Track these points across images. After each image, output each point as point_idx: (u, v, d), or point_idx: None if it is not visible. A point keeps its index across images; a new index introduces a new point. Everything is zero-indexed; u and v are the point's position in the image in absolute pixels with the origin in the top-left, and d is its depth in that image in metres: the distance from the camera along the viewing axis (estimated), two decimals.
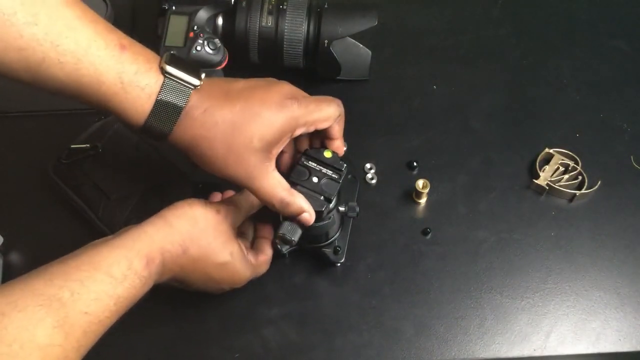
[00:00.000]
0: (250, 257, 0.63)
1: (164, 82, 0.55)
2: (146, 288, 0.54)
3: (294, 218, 0.60)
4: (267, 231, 0.67)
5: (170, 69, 0.55)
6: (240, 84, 0.59)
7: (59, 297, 0.48)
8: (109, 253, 0.53)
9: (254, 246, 0.66)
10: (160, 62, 0.56)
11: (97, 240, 0.55)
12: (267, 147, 0.57)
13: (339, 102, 0.62)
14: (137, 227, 0.56)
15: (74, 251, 0.53)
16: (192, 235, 0.57)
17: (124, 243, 0.54)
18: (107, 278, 0.51)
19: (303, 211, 0.59)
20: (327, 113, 0.60)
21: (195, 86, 0.56)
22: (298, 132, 0.59)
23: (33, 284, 0.49)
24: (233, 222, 0.61)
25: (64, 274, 0.50)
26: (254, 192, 0.59)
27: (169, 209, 0.58)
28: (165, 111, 0.55)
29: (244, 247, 0.62)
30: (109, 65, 0.53)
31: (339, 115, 0.61)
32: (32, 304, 0.47)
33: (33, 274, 0.50)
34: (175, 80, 0.55)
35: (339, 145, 0.64)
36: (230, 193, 0.67)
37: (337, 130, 0.63)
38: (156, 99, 0.54)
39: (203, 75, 0.57)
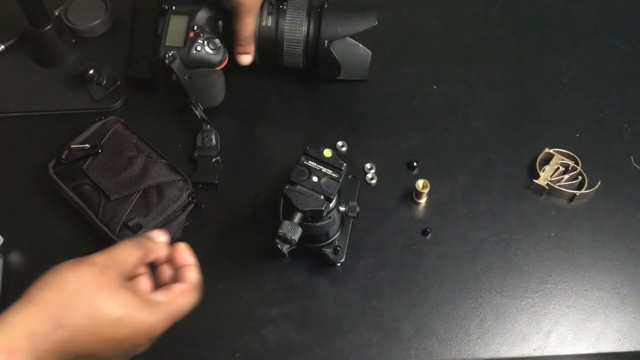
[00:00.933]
0: (159, 296, 0.52)
1: None
2: None
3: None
4: (184, 259, 0.56)
5: None
6: None
7: None
8: None
9: (168, 280, 0.56)
10: None
11: None
12: None
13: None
14: None
15: None
16: (62, 303, 0.47)
17: None
18: None
19: None
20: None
21: None
22: None
23: None
24: (120, 270, 0.51)
25: None
26: None
27: (32, 284, 0.48)
28: None
29: (144, 290, 0.54)
30: None
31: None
32: None
33: None
34: None
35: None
36: (155, 234, 0.56)
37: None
38: None
39: None
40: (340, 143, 0.80)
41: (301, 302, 0.70)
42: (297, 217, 0.62)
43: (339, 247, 0.69)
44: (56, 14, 0.86)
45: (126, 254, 0.52)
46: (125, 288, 0.50)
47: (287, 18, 0.76)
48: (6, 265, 0.72)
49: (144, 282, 0.55)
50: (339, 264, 0.71)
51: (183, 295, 0.53)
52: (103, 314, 0.48)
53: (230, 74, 0.78)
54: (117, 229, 0.71)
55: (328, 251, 0.69)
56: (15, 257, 0.73)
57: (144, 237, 0.54)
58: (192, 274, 0.55)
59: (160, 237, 0.55)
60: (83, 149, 0.75)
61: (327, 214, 0.64)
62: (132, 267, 0.52)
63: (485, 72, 0.87)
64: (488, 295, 0.70)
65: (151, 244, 0.54)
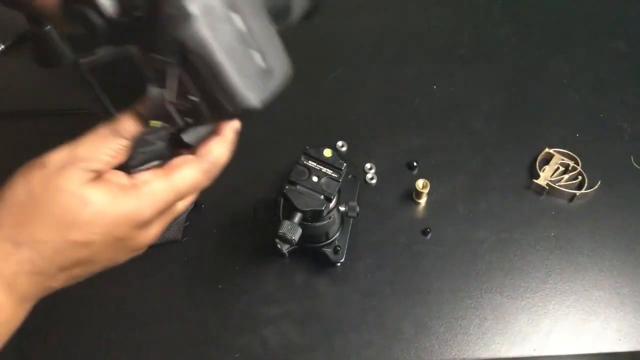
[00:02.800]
0: (144, 176, 0.43)
1: None
2: None
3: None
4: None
5: None
6: None
7: None
8: None
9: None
10: None
11: None
12: None
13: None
14: None
15: None
16: (16, 218, 0.41)
17: None
18: None
19: None
20: None
21: None
22: None
23: None
24: (84, 169, 0.42)
25: None
26: None
27: None
28: None
29: (116, 178, 0.43)
30: None
31: None
32: None
33: None
34: None
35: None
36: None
37: None
38: None
39: None
40: (340, 143, 0.80)
41: (301, 302, 0.70)
42: (297, 217, 0.62)
43: (339, 247, 0.69)
44: None
45: (95, 146, 0.43)
46: (90, 184, 0.41)
47: None
48: None
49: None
50: (339, 264, 0.71)
51: (179, 169, 0.43)
52: (66, 221, 0.40)
53: None
54: None
55: (328, 251, 0.69)
56: None
57: (125, 119, 0.45)
58: (206, 145, 0.45)
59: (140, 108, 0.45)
60: None
61: (327, 214, 0.64)
62: (105, 162, 0.43)
63: (485, 72, 0.87)
64: (488, 295, 0.70)
65: (131, 128, 0.44)
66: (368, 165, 0.79)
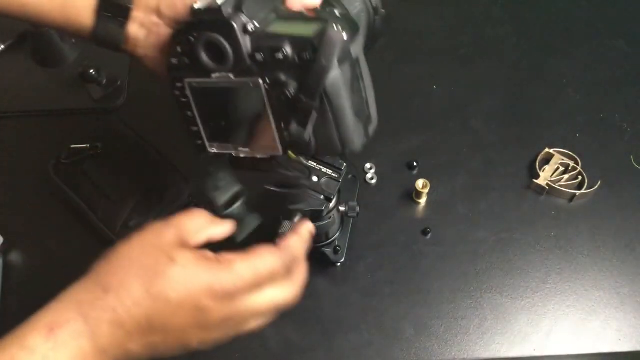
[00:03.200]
0: (229, 256, 0.46)
1: None
2: None
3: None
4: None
5: None
6: None
7: None
8: (3, 339, 0.41)
9: None
10: None
11: None
12: None
13: None
14: None
15: None
16: (112, 270, 0.44)
17: (27, 320, 0.42)
18: None
19: None
20: None
21: None
22: None
23: None
24: (176, 233, 0.46)
25: None
26: None
27: None
28: None
29: (202, 251, 0.46)
30: None
31: None
32: None
33: None
34: None
35: None
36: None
37: None
38: None
39: None
40: None
41: (301, 302, 0.70)
42: (297, 217, 0.62)
43: (339, 247, 0.69)
44: None
45: (185, 218, 0.47)
46: (180, 248, 0.45)
47: None
48: (6, 265, 0.72)
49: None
50: (339, 264, 0.71)
51: (260, 255, 0.46)
52: (150, 272, 0.43)
53: None
54: (117, 229, 0.71)
55: (328, 251, 0.69)
56: (15, 257, 0.73)
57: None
58: (284, 239, 0.49)
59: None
60: (83, 149, 0.75)
61: (327, 214, 0.64)
62: (193, 229, 0.47)
63: (485, 72, 0.87)
64: (488, 295, 0.70)
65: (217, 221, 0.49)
66: (368, 165, 0.79)
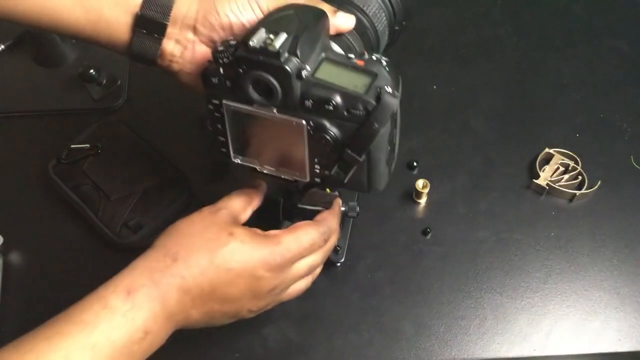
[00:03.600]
0: (272, 232, 0.53)
1: None
2: (141, 324, 0.46)
3: None
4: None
5: None
6: None
7: None
8: (85, 300, 0.47)
9: None
10: None
11: None
12: None
13: None
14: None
15: None
16: (177, 241, 0.50)
17: (104, 284, 0.48)
18: (77, 327, 0.44)
19: None
20: None
21: None
22: None
23: (3, 354, 0.44)
24: (227, 212, 0.54)
25: (34, 335, 0.45)
26: None
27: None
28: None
29: (253, 229, 0.53)
30: None
31: None
32: None
33: (12, 343, 0.44)
34: None
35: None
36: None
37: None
38: None
39: None
40: None
41: (301, 302, 0.70)
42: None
43: (339, 247, 0.69)
44: None
45: (230, 198, 0.55)
46: (234, 223, 0.52)
47: None
48: (6, 265, 0.72)
49: None
50: (339, 264, 0.71)
51: (301, 229, 0.53)
52: (214, 246, 0.49)
53: None
54: (117, 229, 0.71)
55: None
56: (15, 257, 0.73)
57: (247, 189, 0.57)
58: (320, 215, 0.57)
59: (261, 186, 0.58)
60: (83, 149, 0.75)
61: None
62: (240, 208, 0.55)
63: (485, 72, 0.87)
64: (488, 295, 0.70)
65: (253, 182, 0.58)
66: None
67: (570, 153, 0.78)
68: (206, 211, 0.53)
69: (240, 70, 0.47)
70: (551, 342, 0.68)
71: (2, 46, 0.87)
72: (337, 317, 0.69)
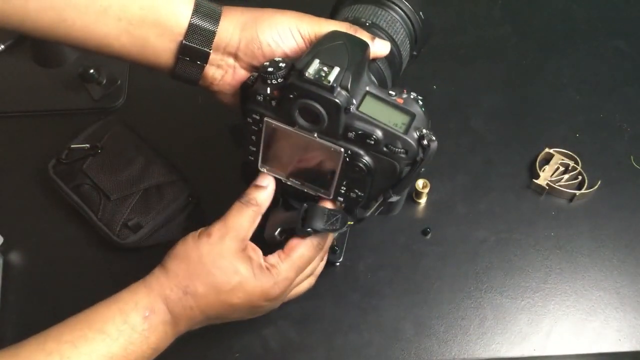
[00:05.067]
0: (272, 259, 0.55)
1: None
2: (153, 342, 0.51)
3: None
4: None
5: None
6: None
7: None
8: (106, 309, 0.51)
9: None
10: None
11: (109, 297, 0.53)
12: None
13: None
14: (140, 281, 0.54)
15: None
16: (188, 272, 0.53)
17: (123, 297, 0.52)
18: (99, 336, 0.49)
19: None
20: None
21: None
22: None
23: (25, 350, 0.48)
24: (235, 236, 0.54)
25: (57, 336, 0.49)
26: None
27: (167, 253, 0.55)
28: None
29: (257, 257, 0.55)
30: None
31: None
32: None
33: (33, 337, 0.49)
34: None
35: None
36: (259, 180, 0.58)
37: None
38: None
39: None
40: None
41: (301, 302, 0.70)
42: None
43: (337, 246, 0.69)
44: None
45: (238, 217, 0.55)
46: (240, 256, 0.54)
47: None
48: (6, 265, 0.72)
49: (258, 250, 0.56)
50: (337, 263, 0.71)
51: (295, 250, 0.55)
52: (220, 283, 0.53)
53: None
54: (117, 229, 0.71)
55: None
56: (15, 257, 0.73)
57: (251, 190, 0.56)
58: (295, 240, 0.56)
59: (263, 181, 0.57)
60: (83, 149, 0.75)
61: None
62: (247, 228, 0.55)
63: (485, 72, 0.87)
64: (488, 295, 0.70)
65: (258, 195, 0.56)
66: None
67: (570, 153, 0.78)
68: (215, 236, 0.54)
69: (291, 96, 0.49)
70: (551, 342, 0.68)
71: (2, 46, 0.87)
72: (337, 317, 0.69)
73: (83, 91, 0.84)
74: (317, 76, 0.47)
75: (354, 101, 0.49)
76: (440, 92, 0.85)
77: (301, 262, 0.55)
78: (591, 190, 0.76)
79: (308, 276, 0.59)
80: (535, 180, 0.76)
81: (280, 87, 0.50)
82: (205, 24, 0.53)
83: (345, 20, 0.59)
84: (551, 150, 0.78)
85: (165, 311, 0.52)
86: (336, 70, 0.48)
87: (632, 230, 0.74)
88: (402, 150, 0.50)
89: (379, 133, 0.50)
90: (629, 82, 0.86)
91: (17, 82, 0.86)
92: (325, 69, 0.48)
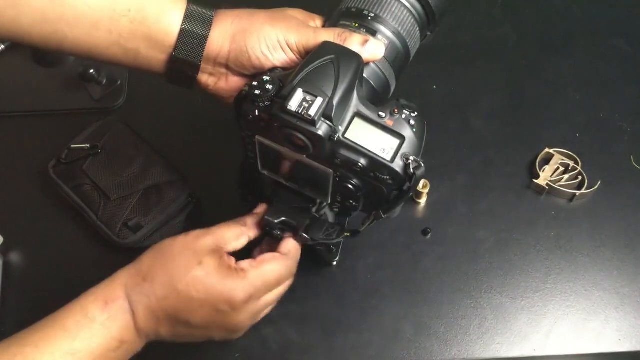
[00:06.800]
0: (243, 264, 0.54)
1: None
2: (117, 333, 0.50)
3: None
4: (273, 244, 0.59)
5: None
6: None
7: None
8: (69, 307, 0.50)
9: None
10: None
11: None
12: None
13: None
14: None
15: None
16: (152, 262, 0.52)
17: (85, 293, 0.51)
18: (61, 334, 0.48)
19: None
20: None
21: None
22: None
23: None
24: (213, 241, 0.54)
25: (21, 339, 0.48)
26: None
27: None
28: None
29: (227, 259, 0.54)
30: None
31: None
32: None
33: (4, 342, 0.49)
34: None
35: None
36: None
37: None
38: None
39: None
40: None
41: (301, 302, 0.70)
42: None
43: (333, 246, 0.69)
44: None
45: (224, 228, 0.55)
46: (210, 254, 0.52)
47: None
48: (6, 265, 0.72)
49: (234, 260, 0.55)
50: (334, 263, 0.71)
51: (268, 263, 0.54)
52: (180, 271, 0.51)
53: None
54: (117, 229, 0.71)
55: (322, 250, 0.69)
56: (15, 257, 0.73)
57: (247, 215, 0.58)
58: (285, 244, 0.56)
59: (259, 209, 0.58)
60: (83, 149, 0.75)
61: (319, 211, 0.64)
62: (228, 239, 0.55)
63: (485, 72, 0.87)
64: (488, 295, 0.70)
65: (250, 218, 0.57)
66: None
67: (570, 153, 0.78)
68: (193, 235, 0.53)
69: (275, 124, 0.49)
70: (551, 342, 0.68)
71: (2, 46, 0.87)
72: (336, 317, 0.69)
73: (83, 91, 0.84)
74: (299, 109, 0.48)
75: (340, 128, 0.50)
76: (440, 92, 0.85)
77: (271, 275, 0.54)
78: (591, 190, 0.76)
79: (274, 300, 0.57)
80: (535, 180, 0.76)
81: (268, 111, 0.50)
82: (195, 36, 0.53)
83: (348, 11, 0.58)
84: (551, 150, 0.78)
85: (124, 298, 0.50)
86: (319, 101, 0.48)
87: (632, 230, 0.74)
88: (388, 177, 0.50)
89: (363, 161, 0.50)
90: (629, 82, 0.86)
91: (17, 82, 0.86)
92: (308, 98, 0.48)
